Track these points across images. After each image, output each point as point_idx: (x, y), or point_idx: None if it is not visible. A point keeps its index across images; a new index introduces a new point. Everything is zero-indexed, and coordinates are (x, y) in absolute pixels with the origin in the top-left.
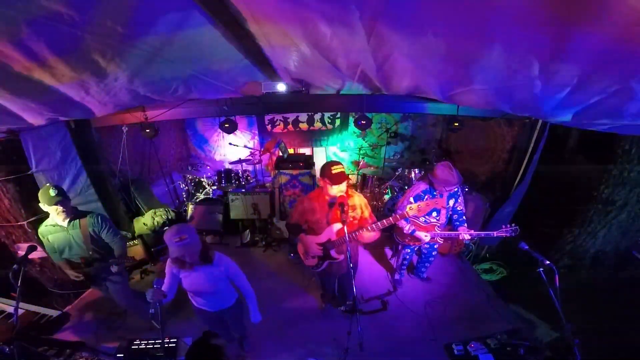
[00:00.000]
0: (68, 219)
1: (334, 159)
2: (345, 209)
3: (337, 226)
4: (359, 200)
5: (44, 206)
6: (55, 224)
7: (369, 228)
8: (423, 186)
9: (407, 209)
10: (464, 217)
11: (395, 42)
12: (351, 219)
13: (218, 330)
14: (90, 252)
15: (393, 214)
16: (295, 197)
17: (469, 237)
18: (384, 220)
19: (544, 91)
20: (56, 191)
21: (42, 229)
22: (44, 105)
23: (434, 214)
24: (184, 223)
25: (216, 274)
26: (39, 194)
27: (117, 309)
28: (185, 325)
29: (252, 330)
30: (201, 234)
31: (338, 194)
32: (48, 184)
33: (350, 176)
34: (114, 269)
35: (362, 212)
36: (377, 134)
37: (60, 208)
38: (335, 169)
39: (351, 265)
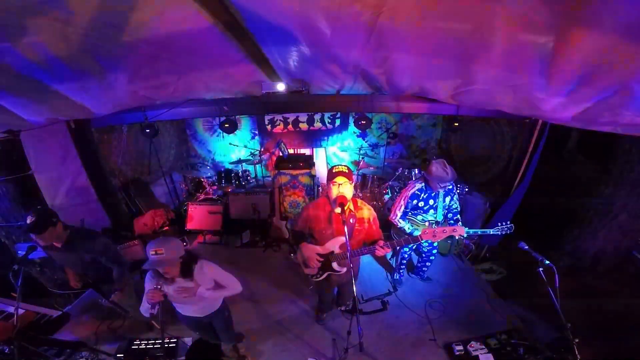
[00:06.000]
0: (61, 243)
1: (335, 159)
2: (344, 208)
3: (342, 239)
4: (368, 213)
5: None
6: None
7: (381, 247)
8: (418, 185)
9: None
10: (458, 216)
11: (395, 42)
12: (357, 229)
13: (209, 336)
14: (84, 275)
15: (405, 237)
16: (295, 197)
17: (465, 235)
18: (394, 242)
19: (544, 91)
20: (32, 221)
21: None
22: (44, 105)
23: (431, 211)
24: (169, 237)
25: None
26: None
27: (117, 309)
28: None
29: (252, 331)
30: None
31: (338, 195)
32: (31, 211)
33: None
34: (104, 302)
35: (370, 227)
36: (377, 134)
37: (37, 238)
38: (337, 168)
39: (352, 275)
